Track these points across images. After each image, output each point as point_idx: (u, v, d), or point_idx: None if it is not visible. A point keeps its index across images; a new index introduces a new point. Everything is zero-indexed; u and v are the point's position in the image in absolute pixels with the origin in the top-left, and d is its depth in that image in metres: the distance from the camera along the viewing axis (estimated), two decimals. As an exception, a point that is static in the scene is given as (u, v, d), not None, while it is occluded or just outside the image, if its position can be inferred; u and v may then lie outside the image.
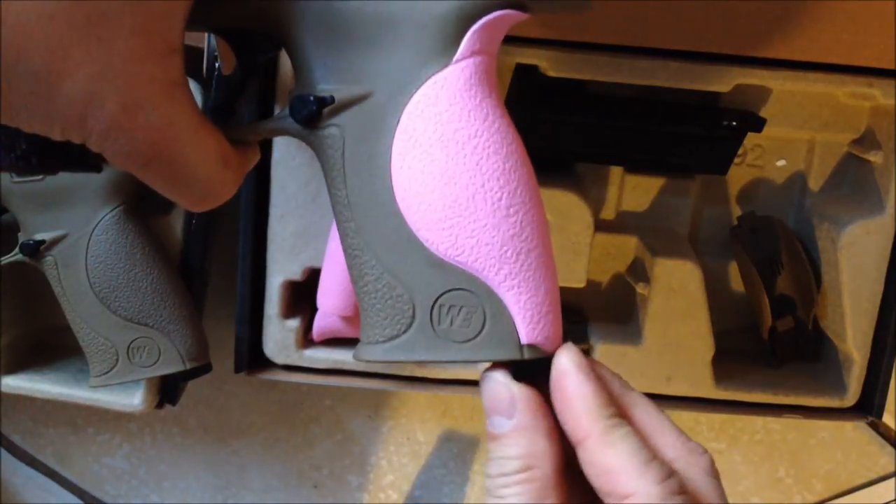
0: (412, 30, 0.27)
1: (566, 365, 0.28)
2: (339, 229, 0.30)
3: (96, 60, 0.24)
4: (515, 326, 0.28)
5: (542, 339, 0.29)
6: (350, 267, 0.30)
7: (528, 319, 0.28)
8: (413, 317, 0.28)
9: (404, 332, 0.28)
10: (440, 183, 0.28)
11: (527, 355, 0.28)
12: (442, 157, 0.27)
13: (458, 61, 0.28)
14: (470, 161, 0.28)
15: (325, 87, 0.28)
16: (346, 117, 0.28)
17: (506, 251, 0.28)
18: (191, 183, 0.29)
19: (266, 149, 0.50)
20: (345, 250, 0.30)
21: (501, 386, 0.29)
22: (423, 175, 0.28)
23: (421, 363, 0.29)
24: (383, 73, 0.28)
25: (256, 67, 0.32)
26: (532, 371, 0.29)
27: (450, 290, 0.28)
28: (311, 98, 0.28)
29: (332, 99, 0.28)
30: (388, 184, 0.28)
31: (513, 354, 0.28)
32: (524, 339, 0.28)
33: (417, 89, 0.28)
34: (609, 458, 0.27)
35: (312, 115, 0.28)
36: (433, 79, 0.28)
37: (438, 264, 0.28)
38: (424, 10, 0.27)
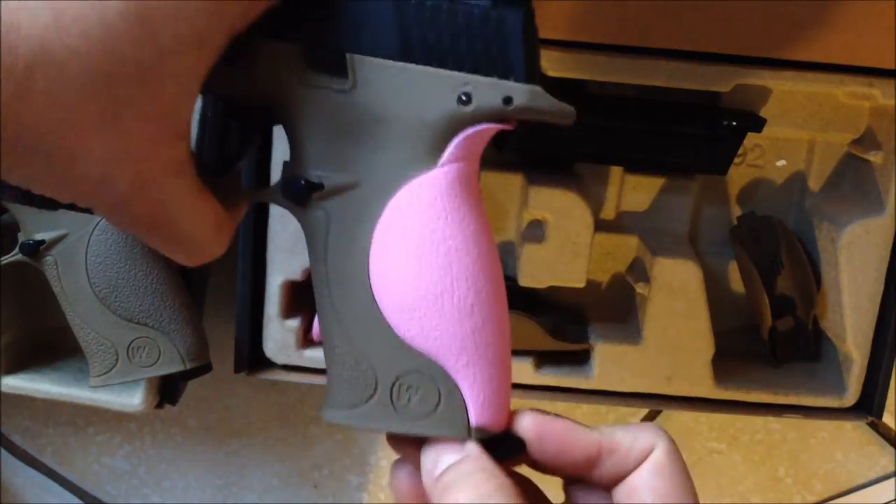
0: (404, 132, 0.30)
1: (540, 415, 0.32)
2: (316, 300, 0.32)
3: (110, 145, 0.25)
4: (467, 410, 0.31)
5: (490, 423, 0.31)
6: (323, 334, 0.32)
7: (479, 404, 0.31)
8: (375, 390, 0.31)
9: (366, 402, 0.31)
10: (412, 277, 0.30)
11: (474, 436, 0.31)
12: (416, 254, 0.30)
13: (442, 165, 0.30)
14: (442, 261, 0.30)
15: (317, 171, 0.31)
16: (333, 203, 0.31)
17: (466, 344, 0.30)
18: (186, 246, 0.31)
19: (266, 148, 0.50)
20: (319, 319, 0.32)
21: (447, 439, 0.31)
22: (397, 267, 0.30)
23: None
24: (372, 168, 0.30)
25: (254, 135, 0.33)
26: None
27: (410, 371, 0.31)
28: (303, 181, 0.31)
29: (322, 185, 0.31)
30: (366, 270, 0.31)
31: (461, 434, 0.31)
32: (473, 422, 0.31)
33: (401, 186, 0.30)
34: (624, 433, 0.31)
35: (302, 196, 0.31)
36: (417, 179, 0.30)
37: (403, 347, 0.31)
38: (417, 116, 0.30)
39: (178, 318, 0.50)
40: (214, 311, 0.57)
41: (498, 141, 0.55)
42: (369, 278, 0.30)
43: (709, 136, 0.52)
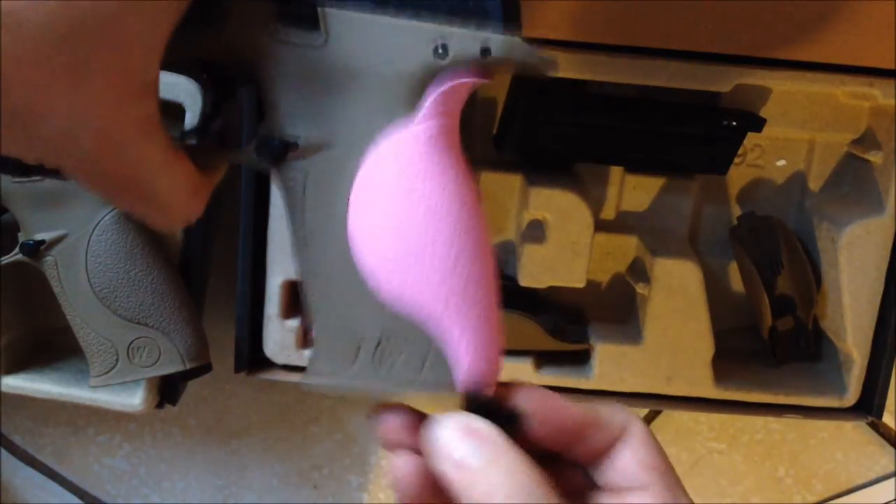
0: (380, 87, 0.29)
1: (535, 387, 0.31)
2: (295, 263, 0.32)
3: (74, 102, 0.25)
4: (454, 371, 0.30)
5: (479, 383, 0.30)
6: (304, 299, 0.32)
7: (467, 365, 0.30)
8: (358, 352, 0.30)
9: (350, 365, 0.31)
10: (391, 235, 0.29)
11: (462, 397, 0.30)
12: (395, 212, 0.29)
13: (420, 121, 0.29)
14: (421, 219, 0.29)
15: (292, 130, 0.30)
16: (309, 162, 0.30)
17: (449, 304, 0.29)
18: (159, 209, 0.30)
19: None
20: (300, 284, 0.32)
21: (460, 419, 0.29)
22: (376, 226, 0.29)
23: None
24: (348, 124, 0.29)
25: (230, 94, 0.33)
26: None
27: (394, 333, 0.30)
28: (277, 140, 0.30)
29: (297, 144, 0.30)
30: (344, 229, 0.30)
31: (450, 396, 0.30)
32: (461, 384, 0.30)
33: (379, 143, 0.29)
34: (603, 409, 0.31)
35: (277, 155, 0.30)
36: (395, 135, 0.29)
37: (385, 308, 0.30)
38: (392, 70, 0.29)
39: (178, 318, 0.50)
40: (214, 311, 0.57)
41: (498, 141, 0.55)
42: (348, 239, 0.30)
43: (709, 136, 0.52)
